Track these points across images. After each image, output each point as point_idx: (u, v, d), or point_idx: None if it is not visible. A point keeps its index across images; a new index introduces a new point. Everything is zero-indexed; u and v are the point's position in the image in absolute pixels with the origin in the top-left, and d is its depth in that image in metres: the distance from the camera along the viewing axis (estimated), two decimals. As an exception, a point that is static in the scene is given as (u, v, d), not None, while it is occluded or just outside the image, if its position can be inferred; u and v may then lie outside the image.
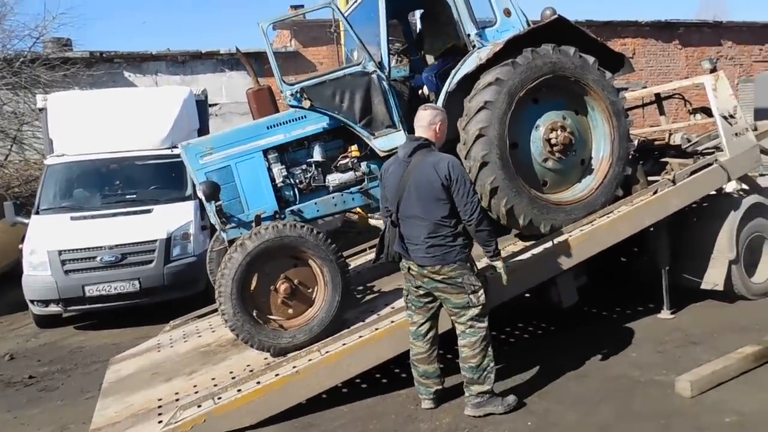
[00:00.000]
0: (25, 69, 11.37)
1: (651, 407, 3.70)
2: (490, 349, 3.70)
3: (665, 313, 5.27)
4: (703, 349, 4.51)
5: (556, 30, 4.77)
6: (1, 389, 5.21)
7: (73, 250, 6.56)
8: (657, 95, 6.69)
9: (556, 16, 4.78)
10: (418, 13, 6.79)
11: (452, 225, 3.60)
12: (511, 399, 3.76)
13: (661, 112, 6.77)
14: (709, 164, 5.24)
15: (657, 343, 4.71)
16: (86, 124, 7.47)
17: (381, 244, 3.93)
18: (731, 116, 5.36)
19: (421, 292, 3.78)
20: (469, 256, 3.68)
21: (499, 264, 3.72)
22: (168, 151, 7.38)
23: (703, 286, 5.39)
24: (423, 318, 3.84)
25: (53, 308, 6.67)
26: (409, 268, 3.75)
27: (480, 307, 3.65)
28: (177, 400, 4.00)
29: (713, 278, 5.32)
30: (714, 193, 5.54)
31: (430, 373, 3.86)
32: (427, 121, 3.75)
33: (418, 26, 6.03)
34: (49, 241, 6.64)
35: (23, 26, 12.71)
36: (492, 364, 3.69)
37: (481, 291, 3.64)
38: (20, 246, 7.07)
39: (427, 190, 3.58)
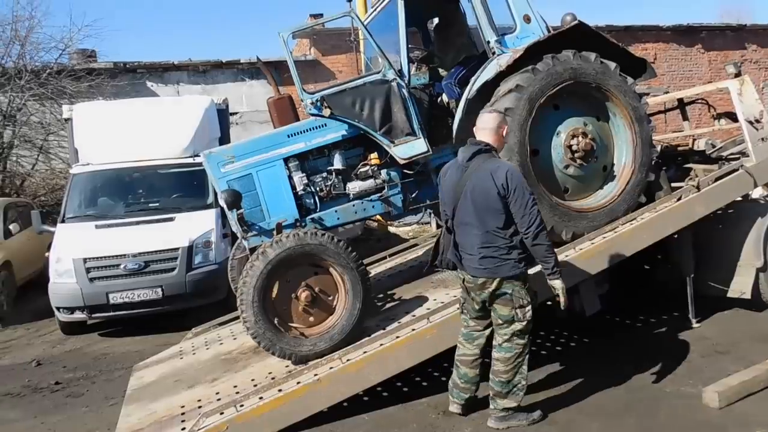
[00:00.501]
0: (51, 80, 11.63)
1: (677, 419, 3.63)
2: (525, 367, 3.60)
3: (690, 322, 5.18)
4: (730, 359, 4.42)
5: (576, 36, 4.75)
6: (29, 394, 5.30)
7: (97, 258, 6.66)
8: (680, 100, 6.62)
9: (576, 21, 4.76)
10: (437, 20, 6.81)
11: (507, 237, 3.47)
12: (537, 414, 3.69)
13: (685, 118, 6.69)
14: (735, 170, 5.15)
15: (682, 353, 4.63)
16: (110, 134, 7.61)
17: (436, 250, 3.88)
18: (757, 121, 5.27)
19: (476, 303, 3.68)
20: (524, 272, 3.55)
21: (557, 284, 3.51)
22: (190, 160, 7.47)
23: (729, 295, 5.29)
24: (477, 324, 3.79)
25: (78, 315, 6.78)
26: (464, 279, 3.69)
27: (525, 323, 3.55)
28: (199, 407, 4.03)
29: (740, 286, 5.21)
30: (740, 199, 5.45)
31: (469, 377, 3.80)
32: (491, 125, 3.62)
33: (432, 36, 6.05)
34: (74, 249, 6.75)
35: (50, 39, 13.02)
36: (524, 383, 3.60)
37: (529, 307, 3.54)
38: (46, 254, 7.22)
39: (482, 198, 3.47)
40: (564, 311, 3.65)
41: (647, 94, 6.03)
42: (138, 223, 7.02)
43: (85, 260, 6.63)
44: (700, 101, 6.91)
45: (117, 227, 6.97)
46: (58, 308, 6.86)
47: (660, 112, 7.24)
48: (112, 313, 6.73)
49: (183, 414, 4.01)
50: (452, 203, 3.60)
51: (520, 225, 3.42)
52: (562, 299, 3.54)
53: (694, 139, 6.26)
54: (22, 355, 6.60)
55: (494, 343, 3.67)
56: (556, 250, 4.55)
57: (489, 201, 3.45)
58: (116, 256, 6.66)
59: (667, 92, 7.77)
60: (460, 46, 5.16)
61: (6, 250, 8.56)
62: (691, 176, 5.55)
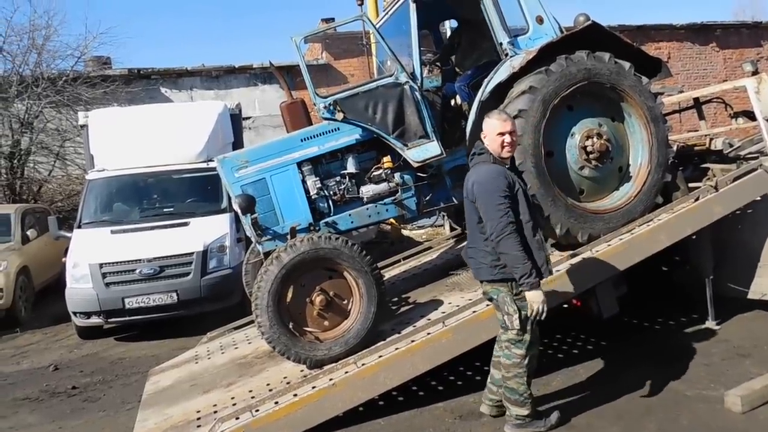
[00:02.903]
0: (67, 87, 11.78)
1: (699, 423, 3.57)
2: (525, 378, 3.49)
3: (710, 324, 5.10)
4: (752, 362, 4.33)
5: (590, 36, 4.70)
6: (47, 399, 5.35)
7: (113, 263, 6.72)
8: (696, 99, 6.53)
9: (590, 22, 4.71)
10: (447, 23, 6.79)
11: (483, 241, 3.49)
12: (554, 418, 3.63)
13: (701, 117, 6.60)
14: (754, 169, 5.06)
15: (702, 356, 4.55)
16: (125, 140, 7.68)
17: None
18: (776, 119, 5.18)
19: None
20: (506, 279, 3.46)
21: (529, 295, 3.34)
22: (204, 165, 7.53)
23: (750, 296, 5.19)
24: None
25: (95, 320, 6.85)
26: None
27: (516, 332, 3.47)
28: (215, 412, 4.03)
29: (761, 287, 5.12)
30: (759, 199, 5.35)
31: (496, 379, 3.76)
32: (482, 129, 3.63)
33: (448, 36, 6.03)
34: (90, 254, 6.82)
35: (66, 47, 13.18)
36: (528, 392, 3.53)
37: (516, 317, 3.44)
38: (63, 259, 7.30)
39: (466, 202, 3.63)
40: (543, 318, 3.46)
41: (662, 94, 5.96)
42: (153, 228, 7.07)
43: (101, 265, 6.69)
44: (716, 100, 6.82)
45: (132, 232, 7.03)
46: (74, 313, 6.93)
47: (675, 111, 7.15)
48: (127, 318, 6.79)
49: (199, 419, 4.02)
50: None
51: (488, 232, 3.39)
52: (530, 311, 3.38)
53: (711, 139, 6.17)
54: (40, 359, 6.67)
55: None
56: (574, 251, 4.55)
57: (467, 204, 3.60)
58: (132, 261, 6.71)
59: (681, 91, 7.68)
60: (484, 50, 5.14)
61: (24, 256, 8.68)
62: (708, 176, 5.47)
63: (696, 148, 6.09)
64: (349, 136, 4.74)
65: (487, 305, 3.95)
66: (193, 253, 6.79)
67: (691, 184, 5.22)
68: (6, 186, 11.79)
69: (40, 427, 4.71)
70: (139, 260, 6.71)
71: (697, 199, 4.85)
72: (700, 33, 15.91)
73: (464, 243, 4.29)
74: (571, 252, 4.60)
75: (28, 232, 9.06)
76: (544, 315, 3.40)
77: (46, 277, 9.35)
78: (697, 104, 6.50)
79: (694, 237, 5.01)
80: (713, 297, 5.08)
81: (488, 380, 3.85)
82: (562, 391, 4.14)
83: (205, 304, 6.80)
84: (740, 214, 5.31)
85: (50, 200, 12.49)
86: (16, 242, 8.74)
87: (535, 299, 3.35)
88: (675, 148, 5.62)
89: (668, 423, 3.60)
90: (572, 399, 4.01)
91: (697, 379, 4.15)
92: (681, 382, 4.12)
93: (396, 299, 5.11)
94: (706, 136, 6.36)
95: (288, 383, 4.10)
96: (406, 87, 4.59)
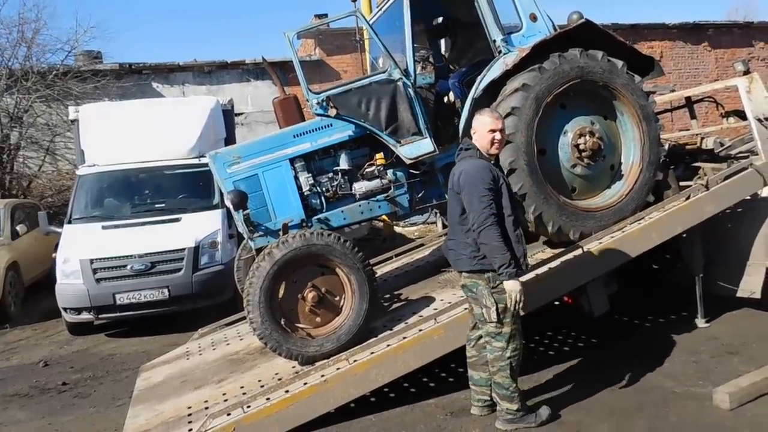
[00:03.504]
0: (57, 82, 11.68)
1: (688, 420, 3.60)
2: (508, 371, 3.51)
3: (700, 322, 5.14)
4: (741, 360, 4.38)
5: (583, 34, 4.72)
6: (37, 395, 5.32)
7: (104, 258, 6.68)
8: (687, 98, 6.56)
9: (583, 20, 4.73)
10: (440, 19, 6.78)
11: (464, 233, 3.57)
12: (544, 413, 3.66)
13: (692, 116, 6.63)
14: (744, 168, 5.10)
15: (692, 353, 4.59)
16: (116, 135, 7.63)
17: None
18: (766, 119, 5.22)
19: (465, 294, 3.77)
20: (484, 271, 3.50)
21: (508, 285, 3.40)
22: (195, 161, 7.49)
23: (738, 294, 5.23)
24: (472, 323, 3.82)
25: (85, 316, 6.80)
26: None
27: (493, 324, 3.51)
28: (206, 408, 4.02)
29: (749, 286, 5.16)
30: (749, 198, 5.39)
31: (476, 380, 3.80)
32: (472, 126, 3.72)
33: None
34: (81, 250, 6.78)
35: (56, 40, 13.11)
36: (514, 386, 3.56)
37: (494, 309, 3.47)
38: (53, 255, 7.24)
39: (450, 194, 3.70)
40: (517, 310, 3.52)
41: (654, 93, 5.98)
42: (144, 223, 7.04)
43: (91, 261, 6.65)
44: (707, 99, 6.85)
45: (123, 228, 6.99)
46: (65, 309, 6.88)
47: (667, 110, 7.18)
48: (118, 314, 6.75)
49: (190, 415, 4.01)
50: None
51: (470, 223, 3.47)
52: (509, 302, 3.44)
53: (702, 138, 6.21)
54: (30, 355, 6.62)
55: None
56: (565, 249, 4.57)
57: (450, 196, 3.66)
58: (123, 256, 6.68)
59: (673, 90, 7.73)
60: (479, 49, 5.14)
61: (13, 251, 8.61)
62: (699, 175, 5.51)
63: (687, 147, 6.13)
64: (342, 132, 4.73)
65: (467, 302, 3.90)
66: (184, 249, 6.76)
67: (682, 183, 5.26)
68: (-5, 181, 11.70)
69: (30, 423, 4.68)
70: (131, 256, 6.67)
71: (688, 198, 4.88)
72: (693, 32, 15.99)
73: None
74: (562, 249, 4.62)
75: (18, 228, 8.99)
76: (522, 305, 3.46)
77: (35, 273, 9.28)
78: (689, 103, 6.54)
79: (684, 235, 5.05)
80: (703, 295, 5.13)
81: (470, 383, 3.87)
82: (553, 388, 4.16)
83: (196, 300, 6.78)
84: (730, 212, 5.36)
85: (40, 195, 12.40)
86: (5, 237, 8.67)
87: (513, 288, 3.42)
88: (666, 146, 5.66)
89: (658, 420, 3.63)
90: (563, 395, 4.03)
91: (686, 376, 4.19)
92: (670, 379, 4.16)
93: (388, 296, 5.11)
94: (697, 135, 6.40)
95: (279, 379, 4.10)
96: (400, 84, 4.59)
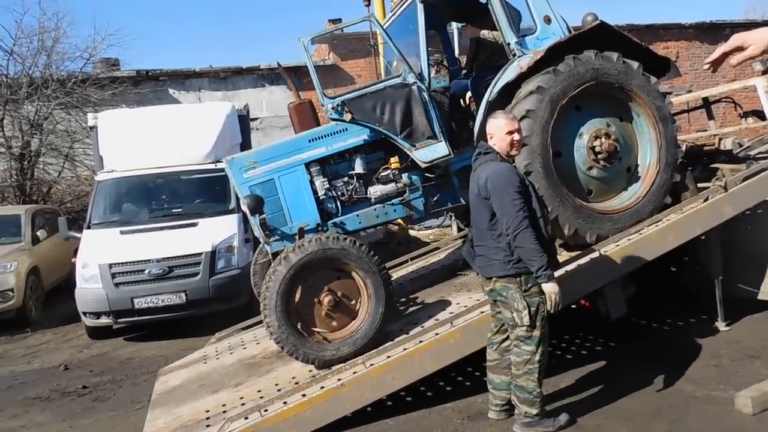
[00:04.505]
0: (76, 89, 11.86)
1: (708, 425, 3.55)
2: (536, 375, 3.49)
3: (720, 325, 5.07)
4: (762, 363, 4.31)
5: (598, 36, 4.69)
6: (58, 398, 5.39)
7: (122, 263, 6.76)
8: (705, 99, 6.50)
9: (598, 21, 4.70)
10: (455, 24, 6.78)
11: (494, 238, 3.53)
12: (563, 418, 3.63)
13: (710, 117, 6.57)
14: (764, 169, 5.03)
15: (712, 357, 4.53)
16: (134, 141, 7.72)
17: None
18: (786, 119, 5.16)
19: (490, 300, 3.76)
20: (517, 275, 3.50)
21: (546, 287, 3.44)
22: (212, 166, 7.55)
23: (760, 297, 5.16)
24: (496, 327, 3.81)
25: (104, 320, 6.89)
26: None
27: (526, 329, 3.49)
28: (224, 411, 4.05)
29: (771, 288, 5.09)
30: (769, 199, 5.32)
31: (496, 383, 3.79)
32: (487, 129, 3.72)
33: (456, 37, 6.00)
34: (100, 254, 6.87)
35: (75, 48, 13.29)
36: (538, 391, 3.53)
37: (526, 312, 3.47)
38: (73, 260, 7.35)
39: (474, 200, 3.65)
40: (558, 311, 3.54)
41: (670, 93, 5.93)
42: (162, 228, 7.11)
43: (110, 266, 6.73)
44: (725, 99, 6.79)
45: (141, 233, 7.07)
46: (84, 313, 6.97)
47: (684, 111, 7.12)
48: (136, 318, 6.83)
49: (208, 419, 4.04)
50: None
51: (503, 227, 3.45)
52: (548, 303, 3.47)
53: (720, 139, 6.14)
54: (50, 359, 6.72)
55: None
56: (582, 251, 4.54)
57: (477, 202, 3.62)
58: (141, 261, 6.75)
59: (690, 91, 7.65)
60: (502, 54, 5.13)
61: (34, 256, 8.74)
62: (717, 176, 5.43)
63: (705, 148, 6.06)
64: (357, 136, 4.75)
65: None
66: (201, 253, 6.82)
67: (700, 185, 5.19)
68: (16, 187, 11.88)
69: (50, 426, 4.75)
70: (148, 260, 6.75)
71: (706, 200, 4.82)
72: (709, 32, 15.80)
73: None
74: (579, 252, 4.58)
75: (38, 233, 9.14)
76: (561, 307, 3.47)
77: (55, 278, 9.42)
78: (706, 104, 6.47)
79: (703, 237, 4.98)
80: (723, 297, 5.05)
81: (489, 387, 3.84)
82: (570, 392, 4.13)
83: (213, 305, 6.83)
84: (750, 214, 5.28)
85: (60, 201, 12.58)
86: (26, 243, 8.81)
87: (552, 290, 3.44)
88: (684, 148, 5.61)
89: (677, 425, 3.59)
90: (581, 400, 4.00)
91: (706, 380, 4.13)
92: (690, 383, 4.11)
93: (404, 299, 5.11)
94: (715, 135, 6.33)
95: (296, 383, 4.12)
96: (414, 87, 4.60)
